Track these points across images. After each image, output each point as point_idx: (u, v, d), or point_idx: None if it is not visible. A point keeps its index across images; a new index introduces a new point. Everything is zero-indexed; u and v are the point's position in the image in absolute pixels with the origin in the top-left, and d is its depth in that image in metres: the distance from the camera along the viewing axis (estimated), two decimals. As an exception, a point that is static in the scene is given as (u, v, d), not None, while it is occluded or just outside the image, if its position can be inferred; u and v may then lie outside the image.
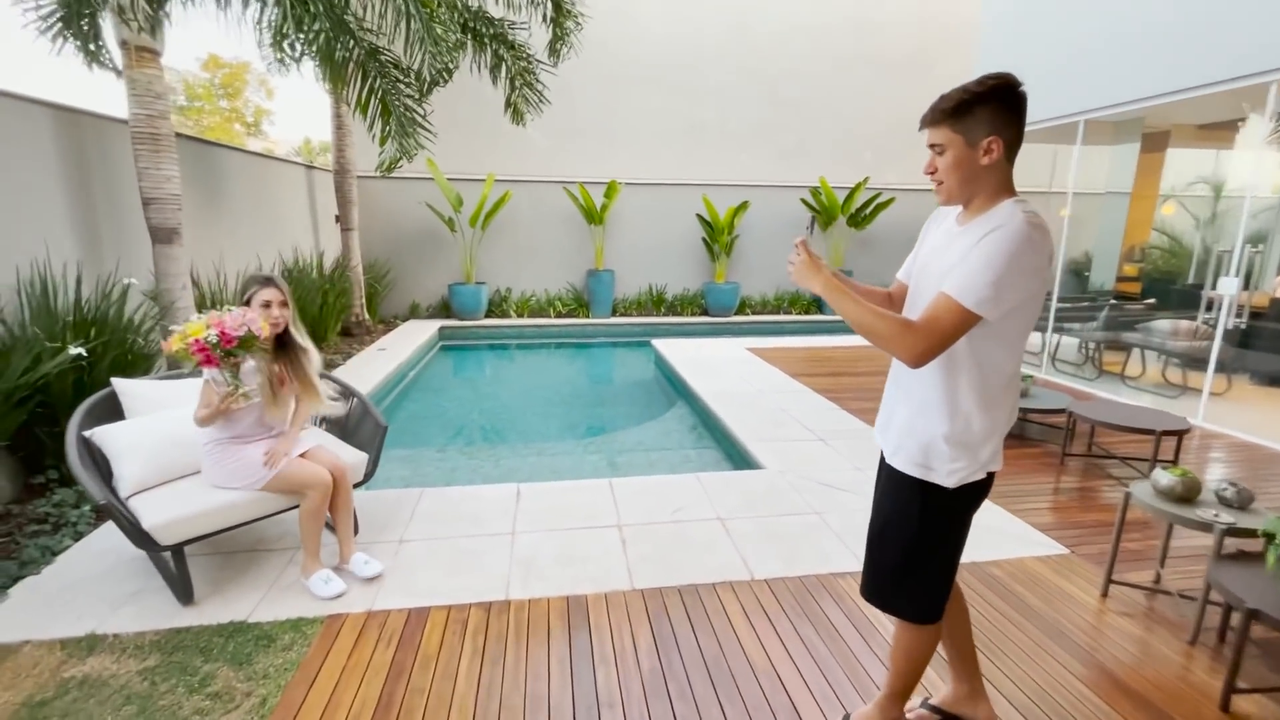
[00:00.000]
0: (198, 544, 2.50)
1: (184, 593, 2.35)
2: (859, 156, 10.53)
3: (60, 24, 4.84)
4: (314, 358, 2.61)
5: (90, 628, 2.23)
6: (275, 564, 2.65)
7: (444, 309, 9.62)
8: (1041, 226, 1.29)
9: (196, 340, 2.11)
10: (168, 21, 4.07)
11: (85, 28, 4.46)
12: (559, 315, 9.70)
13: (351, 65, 4.99)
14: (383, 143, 5.68)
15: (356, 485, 2.77)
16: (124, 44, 3.79)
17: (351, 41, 4.82)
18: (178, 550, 2.30)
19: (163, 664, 2.08)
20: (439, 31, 5.36)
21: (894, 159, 10.56)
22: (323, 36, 4.54)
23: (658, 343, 7.59)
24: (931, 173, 1.39)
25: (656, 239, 10.16)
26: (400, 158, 5.66)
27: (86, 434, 2.38)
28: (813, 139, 10.36)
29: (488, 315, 9.54)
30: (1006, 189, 1.37)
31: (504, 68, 6.60)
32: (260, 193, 6.40)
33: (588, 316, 9.78)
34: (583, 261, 10.01)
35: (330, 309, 7.19)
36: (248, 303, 2.46)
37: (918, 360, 1.31)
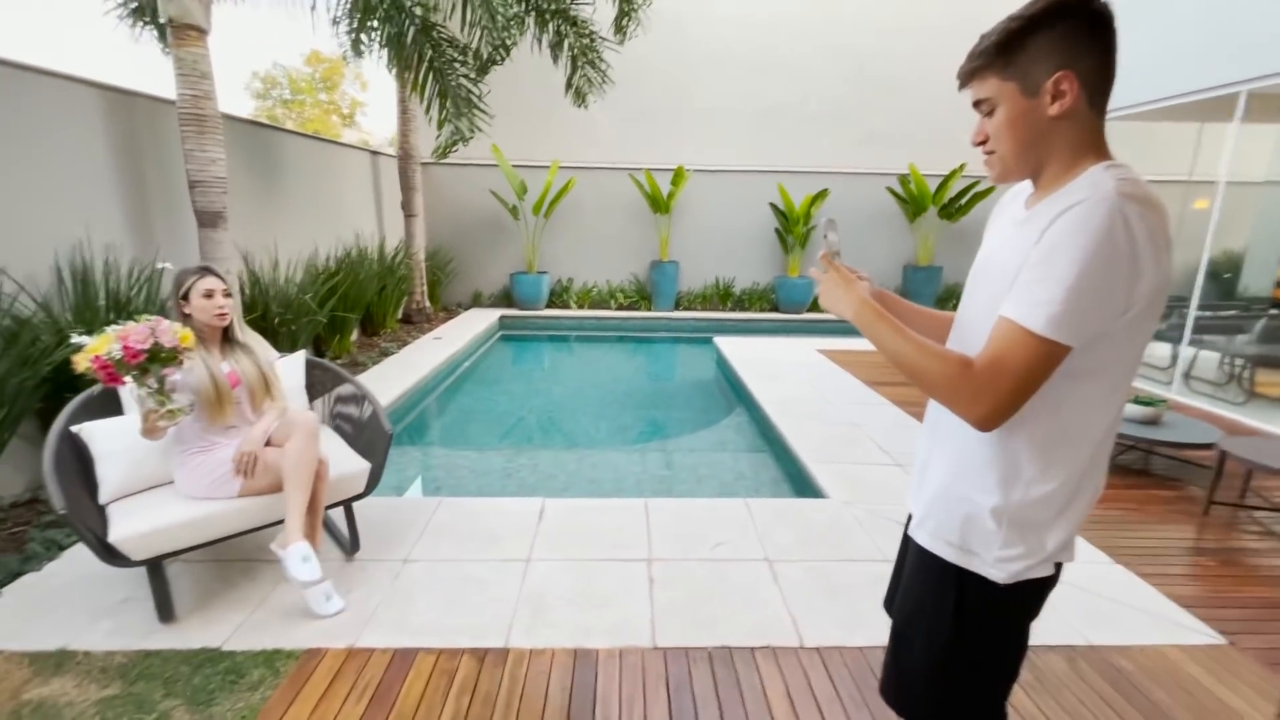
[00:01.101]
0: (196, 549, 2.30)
1: (163, 609, 2.15)
2: (956, 140, 9.52)
3: (134, 13, 4.92)
4: (263, 352, 2.42)
5: (63, 642, 2.07)
6: (269, 578, 2.42)
7: (506, 298, 9.50)
8: (1147, 199, 0.86)
9: (97, 357, 1.87)
10: (216, 3, 3.97)
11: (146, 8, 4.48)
12: (620, 307, 9.36)
13: (408, 43, 4.80)
14: (440, 126, 5.50)
15: (358, 497, 2.51)
16: (170, 21, 3.70)
17: (404, 16, 4.61)
18: (154, 566, 2.09)
19: (121, 695, 1.87)
20: (496, 5, 5.08)
21: (996, 143, 9.48)
22: (380, 13, 4.35)
23: (721, 340, 7.09)
24: (981, 142, 1.00)
25: (725, 229, 9.60)
26: (456, 140, 5.45)
27: (75, 429, 2.20)
28: (902, 121, 9.44)
29: (548, 305, 9.34)
30: (1092, 149, 0.94)
31: (565, 46, 6.26)
32: (320, 178, 6.38)
33: (649, 309, 9.39)
34: (646, 252, 9.61)
35: (389, 296, 7.16)
36: (185, 297, 2.22)
37: (986, 419, 0.92)
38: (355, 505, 2.59)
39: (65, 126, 3.45)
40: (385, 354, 6.28)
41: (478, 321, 8.18)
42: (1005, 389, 0.89)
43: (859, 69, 9.30)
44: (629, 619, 2.23)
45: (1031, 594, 1.05)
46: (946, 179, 8.99)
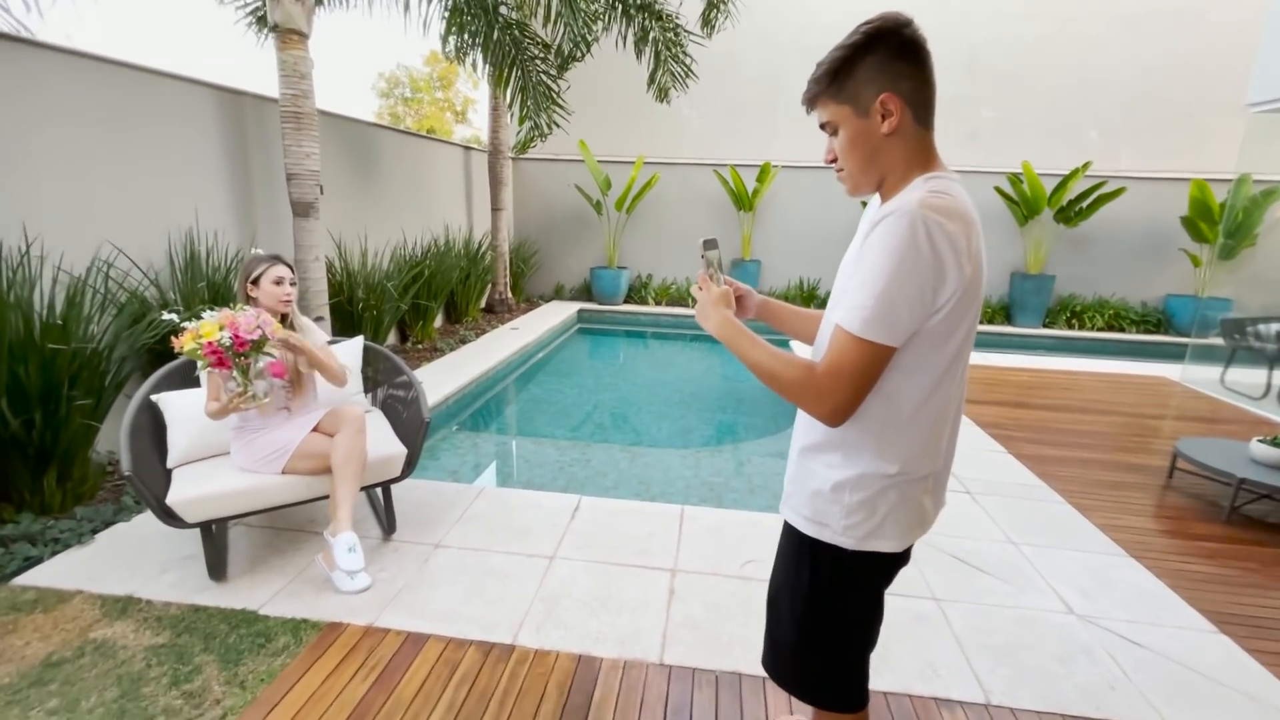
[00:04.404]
0: (244, 516, 2.48)
1: (215, 569, 2.33)
2: (1079, 136, 8.59)
3: (259, 21, 5.40)
4: (316, 333, 2.54)
5: (132, 589, 2.29)
6: (313, 549, 2.57)
7: (586, 291, 9.64)
8: (948, 209, 0.96)
9: (209, 343, 2.01)
10: (320, 8, 4.27)
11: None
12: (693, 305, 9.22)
13: (494, 42, 4.94)
14: (521, 121, 5.63)
15: (394, 480, 2.61)
16: (275, 26, 4.01)
17: (489, 16, 4.75)
18: (206, 528, 2.27)
19: (168, 644, 2.05)
20: (580, 3, 5.11)
21: (1130, 139, 8.47)
22: (467, 15, 4.51)
23: (798, 345, 6.79)
24: (832, 160, 1.12)
25: (812, 228, 9.21)
26: (534, 136, 5.56)
27: (155, 397, 2.44)
28: (1016, 115, 8.62)
29: (626, 300, 9.38)
30: (921, 162, 1.06)
31: (649, 40, 6.21)
32: (413, 171, 6.73)
33: (728, 309, 9.19)
34: (728, 250, 9.40)
35: (472, 285, 7.45)
36: (255, 282, 2.36)
37: (832, 416, 1.04)
38: (395, 488, 2.70)
39: (183, 123, 3.84)
40: (464, 341, 6.55)
41: (556, 314, 8.36)
42: (843, 389, 1.00)
43: (970, 58, 8.59)
44: (640, 630, 2.16)
45: (881, 565, 1.17)
46: (1066, 179, 8.12)
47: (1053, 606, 2.37)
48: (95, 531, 2.66)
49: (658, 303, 9.34)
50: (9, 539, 2.52)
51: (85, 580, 2.34)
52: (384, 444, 2.59)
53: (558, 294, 9.78)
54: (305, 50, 4.15)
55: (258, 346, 2.10)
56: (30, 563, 2.43)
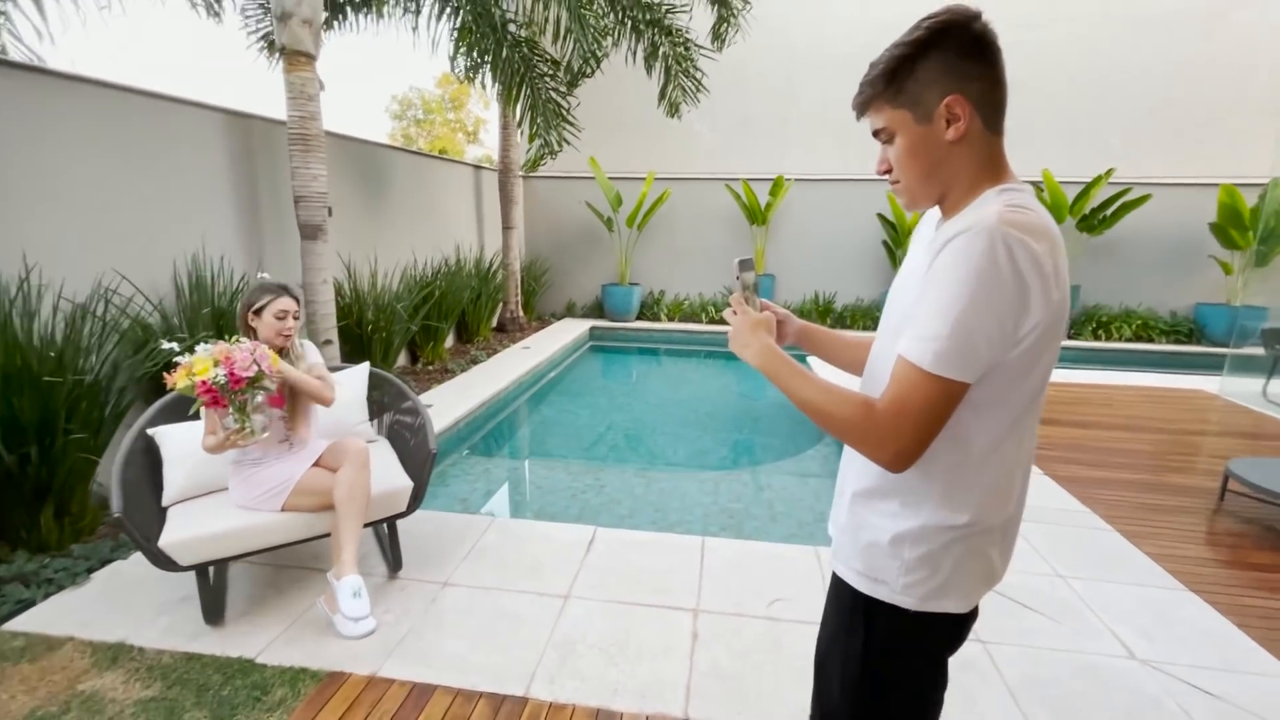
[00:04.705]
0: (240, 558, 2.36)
1: (211, 613, 2.21)
2: (1101, 142, 8.40)
3: (270, 45, 5.40)
4: (312, 355, 2.44)
5: (124, 635, 2.17)
6: (315, 589, 2.44)
7: (598, 309, 9.55)
8: (1030, 226, 0.83)
9: (203, 381, 1.90)
10: (330, 30, 4.24)
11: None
12: (711, 321, 9.09)
13: (503, 60, 4.90)
14: (531, 139, 5.57)
15: (400, 516, 2.48)
16: (283, 49, 3.97)
17: (497, 34, 4.70)
18: (202, 570, 2.15)
19: (158, 698, 1.92)
20: (586, 14, 5.06)
21: (1155, 145, 8.26)
22: (464, 21, 4.46)
23: (816, 361, 6.62)
24: (885, 171, 1.00)
25: (827, 241, 9.06)
26: (544, 153, 5.49)
27: (151, 431, 2.33)
28: (1035, 122, 8.45)
29: (639, 317, 9.27)
30: (990, 172, 0.95)
31: (660, 55, 6.15)
32: (423, 191, 6.70)
33: (742, 324, 9.03)
34: (742, 265, 9.27)
35: (484, 305, 7.38)
36: (258, 313, 2.25)
37: (895, 461, 0.90)
38: (402, 520, 2.57)
39: (191, 147, 3.80)
40: (475, 361, 6.45)
41: (568, 332, 8.26)
42: (909, 431, 0.87)
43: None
44: (662, 681, 2.00)
45: (946, 629, 1.03)
46: (1088, 187, 7.92)
47: (1112, 650, 2.18)
48: (91, 570, 2.55)
49: (670, 319, 9.22)
50: (2, 580, 2.42)
51: (77, 625, 2.22)
52: (389, 478, 2.46)
53: (569, 311, 9.69)
54: (313, 72, 4.10)
55: (254, 382, 1.99)
56: (22, 606, 2.32)
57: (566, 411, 6.06)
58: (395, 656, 2.08)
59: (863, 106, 0.98)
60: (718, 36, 6.41)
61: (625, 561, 2.68)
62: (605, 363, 8.21)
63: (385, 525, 2.51)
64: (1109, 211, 7.97)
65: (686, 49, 6.12)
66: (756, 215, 8.74)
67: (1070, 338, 8.33)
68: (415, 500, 2.47)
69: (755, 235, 9.02)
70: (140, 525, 2.04)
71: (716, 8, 6.17)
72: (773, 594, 2.45)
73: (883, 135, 0.97)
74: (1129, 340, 8.18)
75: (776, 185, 8.53)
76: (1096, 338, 8.28)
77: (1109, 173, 7.82)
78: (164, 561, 2.04)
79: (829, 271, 9.15)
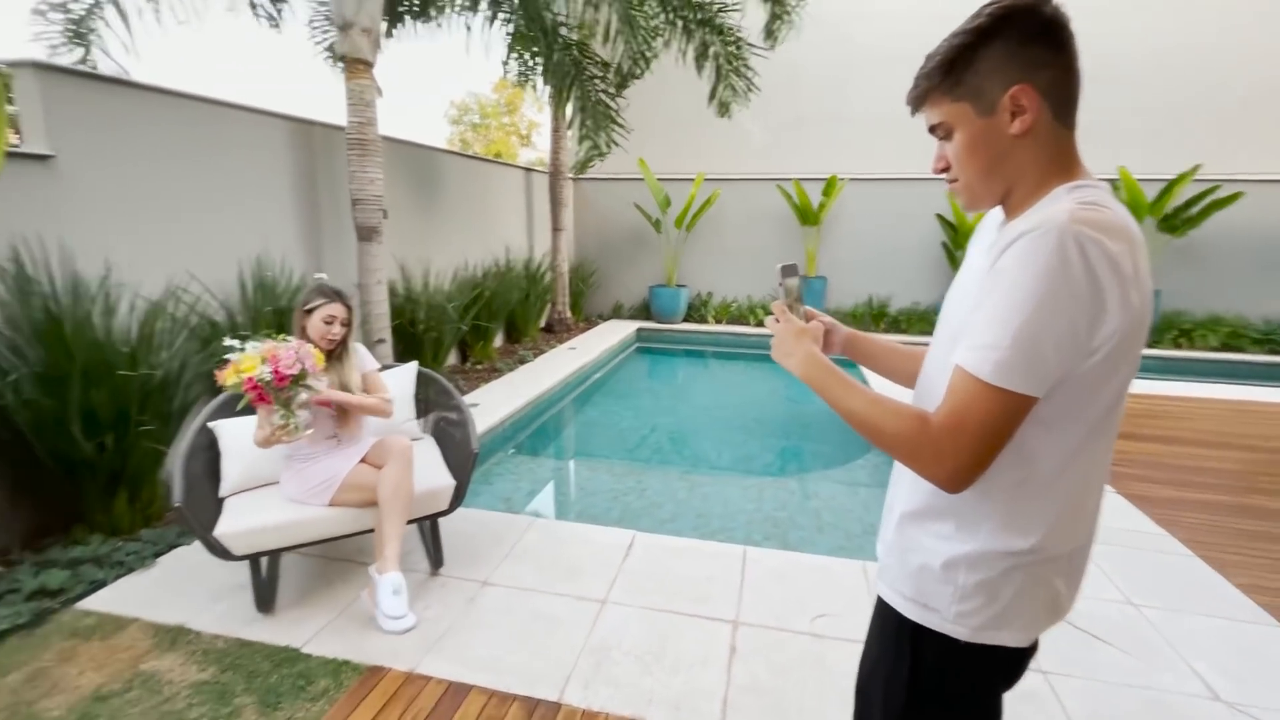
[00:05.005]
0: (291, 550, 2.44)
1: (263, 601, 2.29)
2: (1187, 137, 7.82)
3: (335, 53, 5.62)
4: (359, 365, 2.49)
5: (184, 618, 2.28)
6: (361, 581, 2.50)
7: (644, 310, 9.53)
8: (1108, 225, 0.75)
9: (250, 378, 1.98)
10: (389, 39, 4.37)
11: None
12: (759, 324, 8.94)
13: (553, 62, 4.94)
14: (580, 141, 5.61)
15: (442, 514, 2.51)
16: (343, 57, 4.12)
17: (548, 38, 4.75)
18: (254, 560, 2.23)
19: (210, 682, 2.00)
20: (635, 14, 5.04)
21: (1248, 138, 7.64)
22: (517, 26, 4.52)
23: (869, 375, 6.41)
24: (943, 169, 0.94)
25: (882, 243, 8.77)
26: (593, 155, 5.51)
27: (211, 425, 2.44)
28: (1111, 116, 7.93)
29: (686, 319, 9.21)
30: (1060, 168, 0.86)
31: (710, 55, 6.08)
32: (475, 194, 6.83)
33: (792, 328, 8.85)
34: (792, 267, 9.08)
35: (532, 306, 7.47)
36: (309, 314, 2.32)
37: (952, 481, 0.82)
38: (445, 517, 2.60)
39: (256, 153, 3.98)
40: (522, 361, 6.53)
41: (615, 333, 8.27)
42: (967, 448, 0.80)
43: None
44: (698, 693, 1.95)
45: (1001, 663, 0.94)
46: (1171, 184, 7.39)
47: (1192, 689, 1.99)
48: (158, 555, 2.69)
49: (718, 321, 9.11)
50: (78, 561, 2.57)
51: (142, 607, 2.34)
52: (432, 476, 2.50)
53: (616, 313, 9.72)
54: (371, 79, 4.24)
55: (298, 380, 2.05)
56: (95, 586, 2.47)
57: (611, 413, 6.06)
58: (433, 653, 2.11)
59: (918, 101, 0.92)
60: (770, 34, 6.30)
61: (664, 567, 2.64)
62: (651, 364, 8.18)
63: (428, 522, 2.55)
64: (1194, 210, 7.41)
65: (738, 48, 6.03)
66: (809, 216, 8.55)
67: (1149, 345, 7.78)
68: (457, 499, 2.50)
69: (807, 236, 8.82)
70: (198, 515, 2.13)
71: (770, 5, 6.06)
72: (817, 609, 2.36)
73: (940, 131, 0.92)
74: (1215, 349, 7.58)
75: (830, 185, 8.31)
76: (1177, 346, 7.71)
77: (1195, 169, 7.27)
78: (219, 550, 2.13)
79: (884, 274, 8.85)
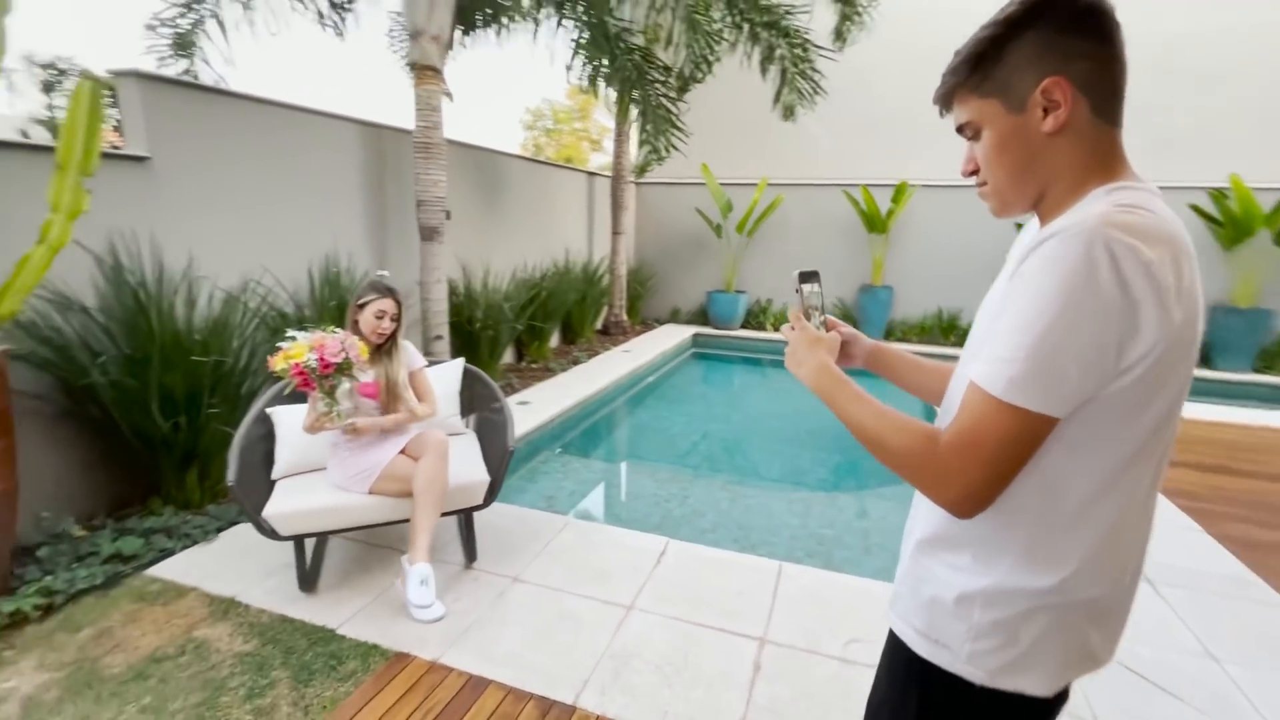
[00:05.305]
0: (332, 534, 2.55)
1: (305, 581, 2.40)
2: (1313, 141, 7.04)
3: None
4: (407, 362, 2.56)
5: (236, 591, 2.42)
6: (396, 569, 2.58)
7: (702, 315, 9.46)
8: (1143, 229, 0.67)
9: (296, 364, 2.08)
10: (460, 46, 4.53)
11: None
12: (820, 333, 8.68)
13: (616, 66, 4.99)
14: (641, 145, 5.63)
15: (477, 508, 2.56)
16: (413, 64, 4.29)
17: (611, 44, 4.79)
18: (298, 541, 2.34)
19: (254, 654, 2.11)
20: (702, 24, 5.02)
21: (1390, 143, 6.79)
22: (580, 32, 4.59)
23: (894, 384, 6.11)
24: (972, 172, 0.87)
25: (954, 253, 8.34)
26: (651, 160, 5.52)
27: (269, 410, 2.59)
28: (1221, 120, 7.25)
29: (743, 326, 9.07)
30: (1101, 168, 0.77)
31: (776, 58, 5.96)
32: (536, 197, 6.97)
33: (854, 338, 8.55)
34: (856, 275, 8.78)
35: (588, 307, 7.56)
36: (362, 308, 2.41)
37: (960, 505, 0.76)
38: (484, 512, 2.65)
39: (329, 154, 4.21)
40: (576, 362, 6.61)
41: (670, 337, 8.24)
42: (977, 469, 0.73)
43: (1162, 56, 7.39)
44: (716, 710, 1.90)
45: (1020, 712, 0.84)
46: (1293, 194, 6.66)
47: (1278, 761, 1.77)
48: (220, 530, 2.87)
49: (776, 329, 8.90)
50: (152, 531, 2.79)
51: (201, 577, 2.51)
52: (469, 470, 2.55)
53: (674, 317, 9.68)
54: (438, 85, 4.40)
55: (341, 370, 2.14)
56: (164, 554, 2.66)
57: (661, 417, 6.04)
58: (458, 646, 2.14)
59: (945, 99, 0.88)
60: (840, 35, 6.12)
61: (695, 577, 2.59)
62: (706, 370, 8.10)
63: (463, 516, 2.61)
64: (1319, 223, 6.64)
65: (804, 50, 5.88)
66: (876, 223, 8.24)
67: (1258, 371, 7.05)
68: (491, 494, 2.54)
69: (874, 244, 8.50)
70: (250, 495, 2.26)
71: (840, 5, 5.89)
72: (852, 633, 2.25)
73: (968, 130, 0.86)
74: (1340, 379, 6.76)
75: (899, 191, 7.99)
76: (1294, 373, 6.92)
77: (1321, 177, 6.53)
78: (266, 530, 2.25)
79: (954, 285, 8.40)
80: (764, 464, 4.99)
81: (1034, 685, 0.82)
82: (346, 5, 5.25)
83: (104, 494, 2.98)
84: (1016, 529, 0.80)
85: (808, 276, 1.05)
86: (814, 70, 5.94)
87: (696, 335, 8.72)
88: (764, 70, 6.04)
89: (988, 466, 0.73)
